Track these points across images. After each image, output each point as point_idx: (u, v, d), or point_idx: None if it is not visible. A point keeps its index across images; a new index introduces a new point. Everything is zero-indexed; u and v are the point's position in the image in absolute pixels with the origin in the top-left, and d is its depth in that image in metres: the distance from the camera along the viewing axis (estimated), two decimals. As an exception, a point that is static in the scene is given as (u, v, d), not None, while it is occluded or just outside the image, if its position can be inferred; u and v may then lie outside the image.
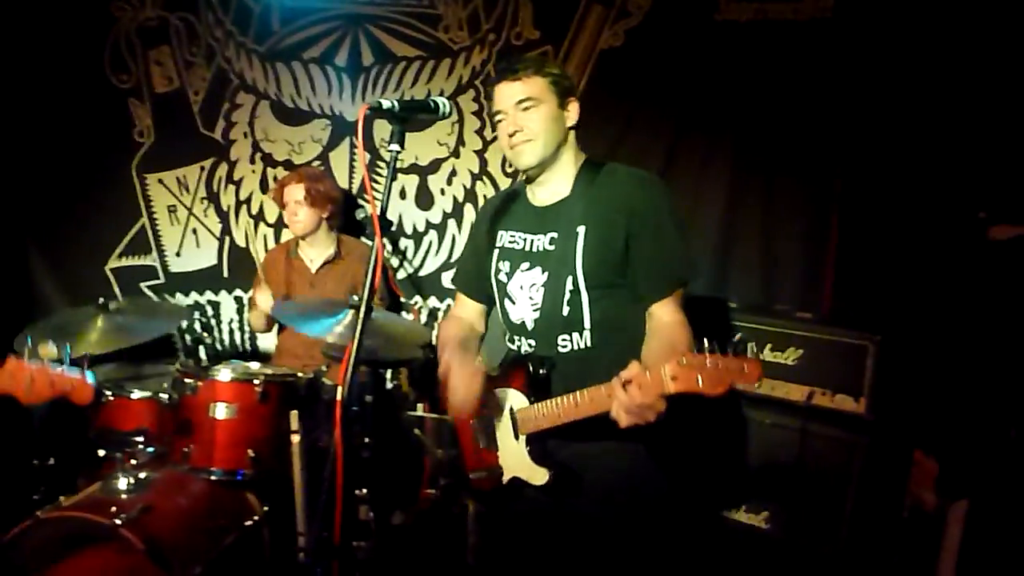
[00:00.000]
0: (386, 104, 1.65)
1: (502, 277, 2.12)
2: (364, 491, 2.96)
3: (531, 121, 1.95)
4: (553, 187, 2.05)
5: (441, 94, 3.73)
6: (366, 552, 2.89)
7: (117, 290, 4.03)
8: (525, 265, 2.06)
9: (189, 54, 3.92)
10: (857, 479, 2.81)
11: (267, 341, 3.85)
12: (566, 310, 1.97)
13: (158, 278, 4.05)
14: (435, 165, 3.84)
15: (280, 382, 2.69)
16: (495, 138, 3.78)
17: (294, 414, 2.62)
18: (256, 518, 2.78)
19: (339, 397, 1.60)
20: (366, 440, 2.97)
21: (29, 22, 3.83)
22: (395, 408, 3.41)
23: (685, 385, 1.58)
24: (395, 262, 3.88)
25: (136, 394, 2.82)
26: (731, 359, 1.57)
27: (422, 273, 3.91)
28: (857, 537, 2.81)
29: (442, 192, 3.86)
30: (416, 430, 3.36)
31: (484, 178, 3.82)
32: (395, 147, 1.68)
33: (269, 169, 3.95)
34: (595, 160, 2.07)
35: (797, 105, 3.34)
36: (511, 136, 1.98)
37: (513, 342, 2.13)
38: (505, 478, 2.08)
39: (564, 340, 1.99)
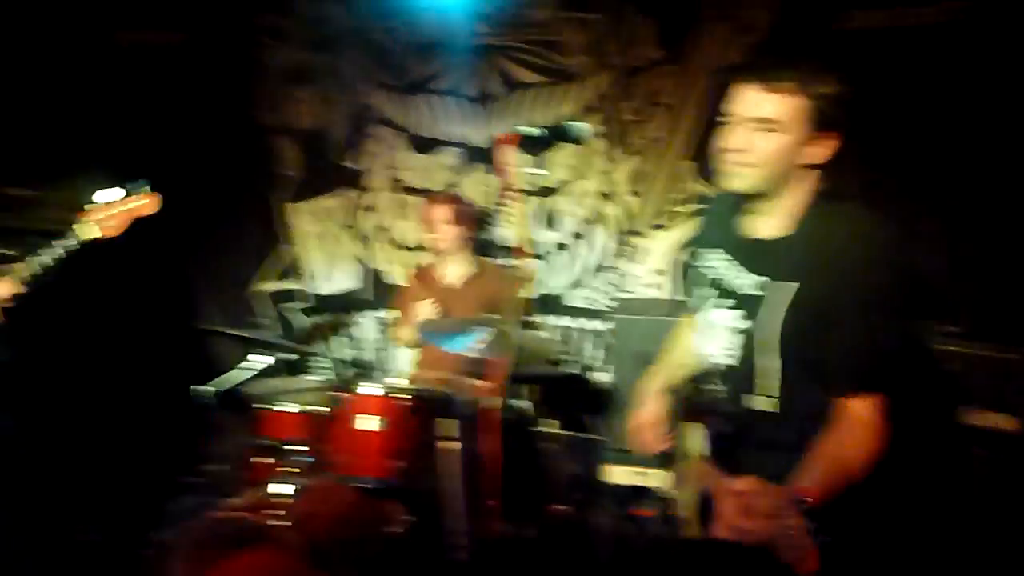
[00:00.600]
0: (530, 131, 1.75)
1: (697, 302, 1.85)
2: (496, 503, 3.06)
3: (762, 144, 1.59)
4: (770, 220, 1.70)
5: (565, 118, 3.90)
6: (500, 563, 2.99)
7: (269, 312, 4.35)
8: (730, 303, 1.75)
9: (330, 92, 4.22)
10: (1013, 501, 2.66)
11: (407, 360, 4.06)
12: (757, 371, 1.69)
13: (306, 300, 4.35)
14: (562, 187, 3.94)
15: (427, 396, 2.84)
16: (621, 158, 3.87)
17: (450, 423, 2.76)
18: (402, 526, 2.94)
19: (491, 407, 1.69)
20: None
21: (182, 72, 4.23)
22: (526, 423, 3.51)
23: (758, 535, 1.35)
24: (520, 284, 3.99)
25: (291, 407, 3.05)
26: (810, 549, 1.31)
27: (550, 293, 4.01)
28: (1017, 562, 2.66)
29: (570, 213, 3.96)
30: (548, 445, 3.44)
31: (611, 199, 3.89)
32: (538, 171, 1.77)
33: (404, 197, 4.18)
34: (833, 194, 1.67)
35: (930, 111, 3.24)
36: (729, 151, 1.64)
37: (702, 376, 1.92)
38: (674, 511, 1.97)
39: (752, 400, 1.72)
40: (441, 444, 2.73)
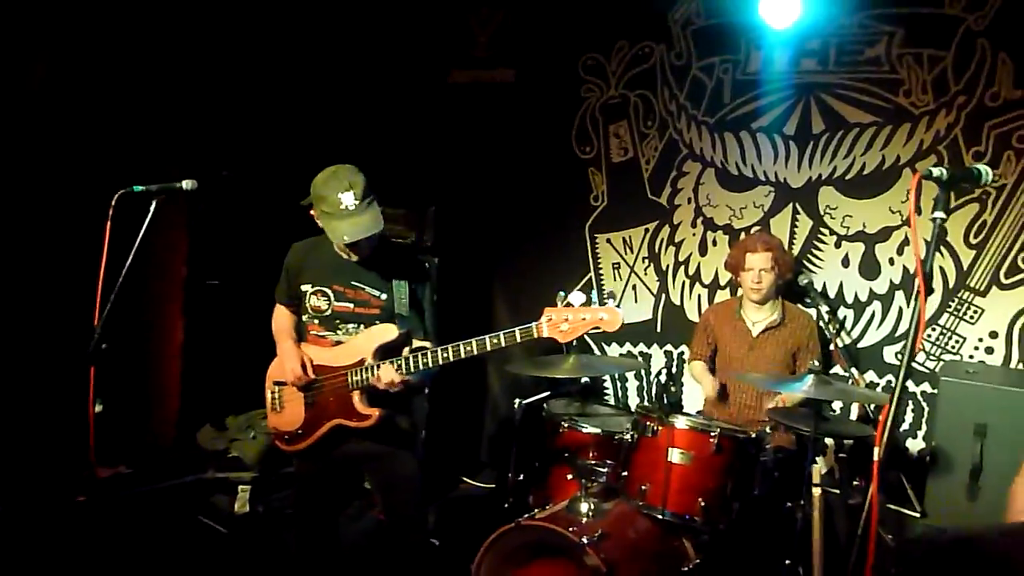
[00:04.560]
0: (936, 172, 1.66)
1: None
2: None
3: None
4: None
5: (897, 160, 3.66)
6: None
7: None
8: None
9: (644, 127, 4.32)
10: None
11: (693, 397, 4.03)
12: None
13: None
14: (885, 234, 3.69)
15: (733, 436, 2.77)
16: (957, 207, 3.54)
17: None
18: (691, 566, 2.89)
19: (877, 457, 1.61)
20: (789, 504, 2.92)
21: (512, 110, 4.60)
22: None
23: None
24: (829, 331, 3.76)
25: (594, 429, 3.14)
26: None
27: (861, 345, 3.75)
28: None
29: (891, 262, 3.69)
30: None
31: (941, 249, 3.56)
32: (939, 214, 1.68)
33: (709, 232, 4.15)
34: None
35: None
36: None
37: None
38: None
39: None
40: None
